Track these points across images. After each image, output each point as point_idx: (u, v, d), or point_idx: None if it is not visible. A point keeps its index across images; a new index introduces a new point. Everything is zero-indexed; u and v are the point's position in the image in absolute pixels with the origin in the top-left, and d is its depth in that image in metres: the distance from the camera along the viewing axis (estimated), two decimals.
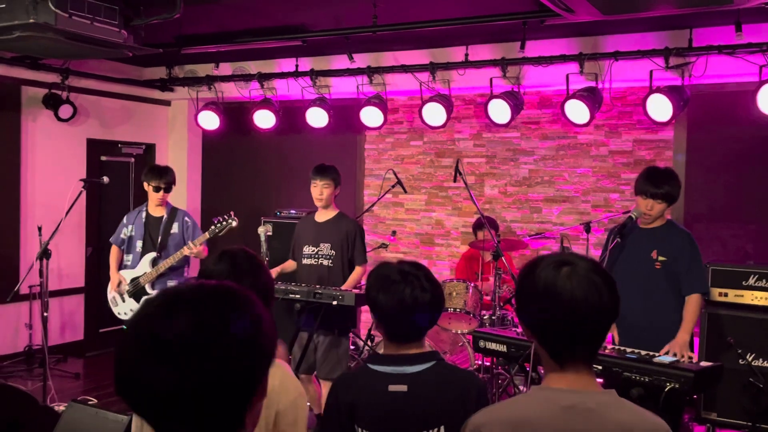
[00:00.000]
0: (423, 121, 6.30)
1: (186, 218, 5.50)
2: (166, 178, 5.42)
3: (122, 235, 5.49)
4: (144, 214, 5.48)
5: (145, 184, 5.45)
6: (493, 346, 3.87)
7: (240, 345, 1.08)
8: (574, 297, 1.55)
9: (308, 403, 4.93)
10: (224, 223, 5.20)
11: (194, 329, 1.06)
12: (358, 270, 4.86)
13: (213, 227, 5.21)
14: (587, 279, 1.56)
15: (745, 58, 5.15)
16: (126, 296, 5.39)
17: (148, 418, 1.09)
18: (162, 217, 5.45)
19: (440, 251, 7.29)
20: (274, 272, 4.88)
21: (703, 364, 3.35)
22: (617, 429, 1.54)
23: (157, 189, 5.39)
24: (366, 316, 7.29)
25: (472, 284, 5.49)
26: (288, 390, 2.08)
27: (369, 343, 6.25)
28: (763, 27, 5.12)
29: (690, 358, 3.70)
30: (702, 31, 5.33)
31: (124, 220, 5.57)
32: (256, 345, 1.11)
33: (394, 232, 7.03)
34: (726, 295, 5.05)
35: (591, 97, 5.56)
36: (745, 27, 5.00)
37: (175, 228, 5.44)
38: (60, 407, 4.40)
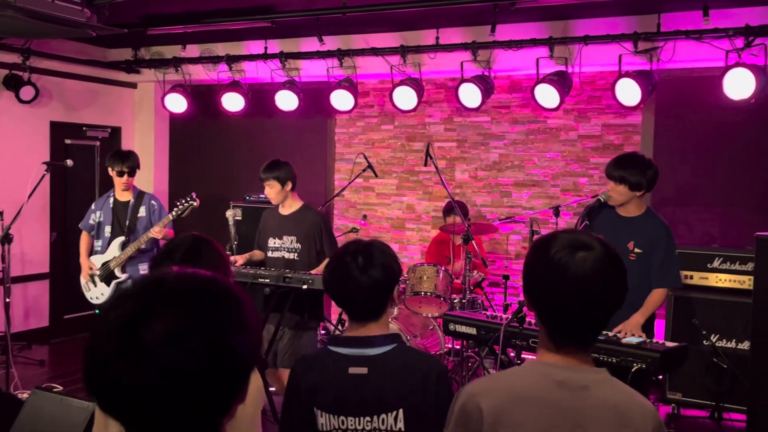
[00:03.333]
0: (394, 105, 6.27)
1: (153, 201, 5.53)
2: (128, 162, 5.41)
3: (91, 221, 5.53)
4: (111, 200, 5.51)
5: (110, 170, 5.47)
6: (463, 329, 3.88)
7: (223, 348, 1.01)
8: (584, 284, 1.53)
9: (272, 389, 4.92)
10: (186, 204, 5.17)
11: (176, 331, 0.98)
12: (329, 260, 4.80)
13: (175, 209, 5.19)
14: (600, 267, 1.54)
15: (712, 44, 5.20)
16: (97, 280, 5.39)
17: (121, 419, 1.01)
18: (129, 201, 5.48)
19: (411, 235, 7.29)
20: (242, 258, 4.84)
21: (669, 344, 3.39)
22: (609, 407, 1.55)
23: (120, 173, 5.39)
24: None
25: (443, 268, 5.50)
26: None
27: (340, 327, 6.24)
28: (730, 12, 5.17)
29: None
30: (670, 16, 5.36)
31: (93, 206, 5.60)
32: (239, 348, 1.04)
33: (364, 217, 7.00)
34: (691, 277, 5.14)
35: (561, 81, 5.58)
36: (712, 12, 5.05)
37: (142, 211, 5.47)
38: (24, 395, 4.32)
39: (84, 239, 5.54)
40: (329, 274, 2.22)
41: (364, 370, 2.12)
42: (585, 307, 1.56)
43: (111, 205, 5.47)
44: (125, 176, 5.39)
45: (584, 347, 1.62)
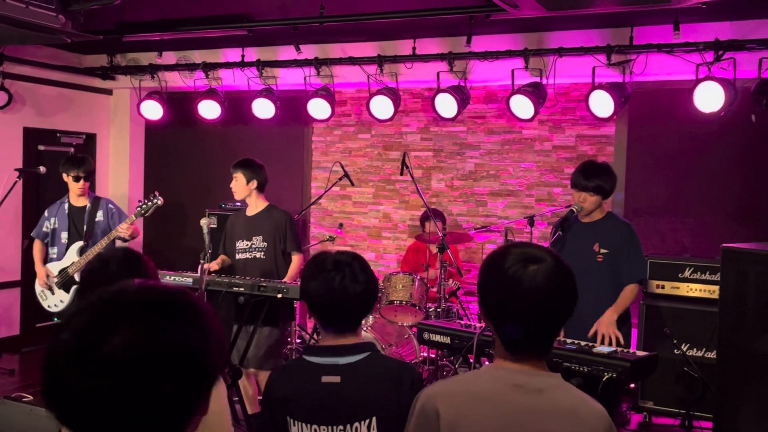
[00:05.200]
0: (371, 114, 6.29)
1: (110, 205, 5.49)
2: (84, 167, 5.36)
3: (44, 229, 5.43)
4: (66, 206, 5.43)
5: (64, 176, 5.40)
6: (437, 338, 3.89)
7: (184, 362, 1.02)
8: (538, 296, 1.59)
9: (229, 398, 4.90)
10: (149, 203, 5.13)
11: (136, 343, 0.98)
12: (294, 260, 4.88)
13: (138, 208, 5.17)
14: (552, 278, 1.61)
15: (682, 57, 5.30)
16: (55, 288, 5.29)
17: (79, 431, 1.00)
18: (85, 206, 5.42)
19: (387, 244, 7.30)
20: (216, 265, 4.82)
21: (640, 353, 3.43)
22: (565, 410, 1.61)
23: (76, 179, 5.33)
24: None
25: (418, 277, 5.52)
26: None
27: (315, 336, 6.22)
28: (700, 27, 5.28)
29: (618, 338, 3.78)
30: (642, 30, 5.46)
31: (46, 213, 5.50)
32: (201, 362, 1.04)
33: (341, 225, 7.01)
34: (663, 287, 5.21)
35: (535, 92, 5.64)
36: (683, 26, 5.15)
37: (99, 216, 5.40)
38: None
39: (37, 247, 5.43)
40: (311, 285, 2.19)
41: (336, 379, 2.12)
42: (539, 318, 1.62)
43: (66, 211, 5.39)
44: (81, 181, 5.33)
45: (539, 355, 1.67)
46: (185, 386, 1.03)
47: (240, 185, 4.88)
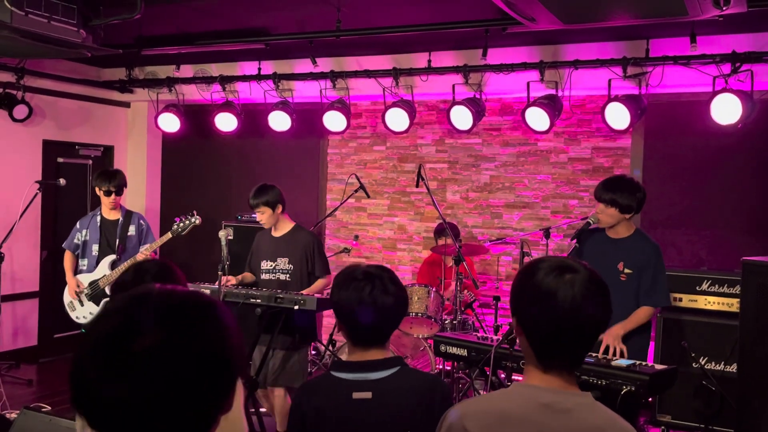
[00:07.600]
0: (386, 127, 6.32)
1: (141, 221, 5.54)
2: (116, 181, 5.40)
3: (76, 240, 5.46)
4: (98, 218, 5.47)
5: (97, 189, 5.47)
6: (453, 350, 3.88)
7: (210, 359, 1.05)
8: (575, 305, 1.58)
9: (263, 409, 4.90)
10: (187, 222, 5.17)
11: (164, 344, 1.01)
12: (321, 281, 4.83)
13: (175, 226, 5.18)
14: (588, 288, 1.59)
15: (699, 69, 5.29)
16: (85, 300, 5.33)
17: None
18: (118, 219, 5.44)
19: (402, 256, 7.31)
20: (235, 279, 4.84)
21: (658, 367, 3.41)
22: (592, 430, 1.58)
23: (108, 193, 5.37)
24: (328, 321, 7.27)
25: (434, 289, 5.51)
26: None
27: (330, 348, 6.23)
28: (717, 39, 5.27)
29: (622, 351, 3.74)
30: (658, 42, 5.46)
31: (77, 225, 5.54)
32: (225, 358, 1.07)
33: (356, 237, 7.02)
34: (680, 300, 5.17)
35: (551, 104, 5.65)
36: (700, 39, 5.13)
37: (131, 230, 5.46)
38: (12, 415, 4.29)
39: (68, 258, 5.46)
40: (341, 294, 2.18)
41: (368, 395, 2.11)
42: (576, 329, 1.60)
43: (98, 224, 5.42)
44: (113, 195, 5.38)
45: (571, 368, 1.66)
46: (212, 382, 1.05)
47: (267, 216, 4.80)
